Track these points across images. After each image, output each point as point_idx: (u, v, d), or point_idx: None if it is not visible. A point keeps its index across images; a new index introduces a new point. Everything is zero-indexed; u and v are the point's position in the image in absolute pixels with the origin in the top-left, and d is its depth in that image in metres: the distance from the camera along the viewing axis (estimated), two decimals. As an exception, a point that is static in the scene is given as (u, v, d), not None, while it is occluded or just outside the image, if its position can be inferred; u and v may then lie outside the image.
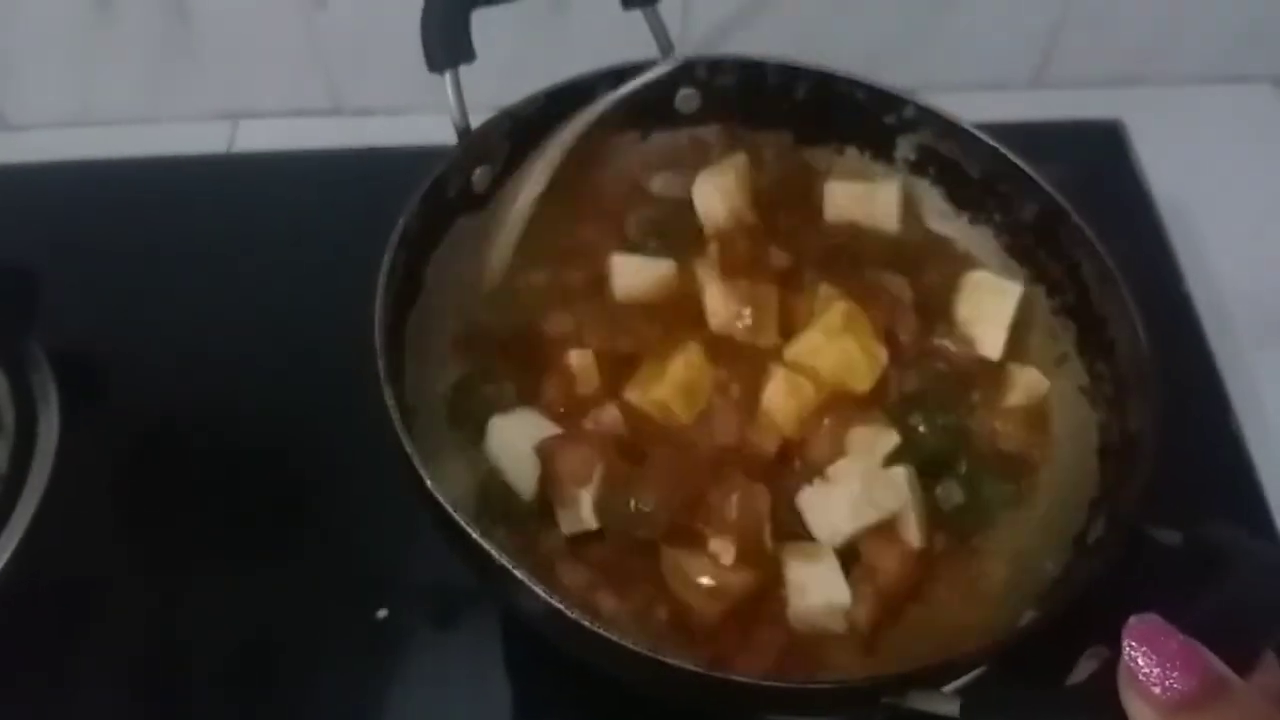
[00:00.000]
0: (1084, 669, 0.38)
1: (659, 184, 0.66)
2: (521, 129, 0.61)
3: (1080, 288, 0.59)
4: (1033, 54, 0.88)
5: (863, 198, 0.64)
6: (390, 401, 0.48)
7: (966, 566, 0.54)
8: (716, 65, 0.65)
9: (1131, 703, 0.30)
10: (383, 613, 0.61)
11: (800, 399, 0.55)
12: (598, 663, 0.46)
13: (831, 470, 0.54)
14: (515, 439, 0.55)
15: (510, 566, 0.44)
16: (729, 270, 0.59)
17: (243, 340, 0.72)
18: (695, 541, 0.52)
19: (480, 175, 0.61)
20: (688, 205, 0.64)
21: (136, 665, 0.60)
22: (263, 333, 0.73)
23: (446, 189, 0.59)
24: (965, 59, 0.86)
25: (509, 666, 0.60)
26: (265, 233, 0.78)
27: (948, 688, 0.41)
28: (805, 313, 0.58)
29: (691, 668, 0.43)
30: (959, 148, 0.63)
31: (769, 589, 0.52)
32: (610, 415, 0.55)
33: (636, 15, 0.64)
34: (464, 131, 0.58)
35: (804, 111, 0.66)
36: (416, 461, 0.47)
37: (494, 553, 0.44)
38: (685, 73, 0.65)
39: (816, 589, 0.51)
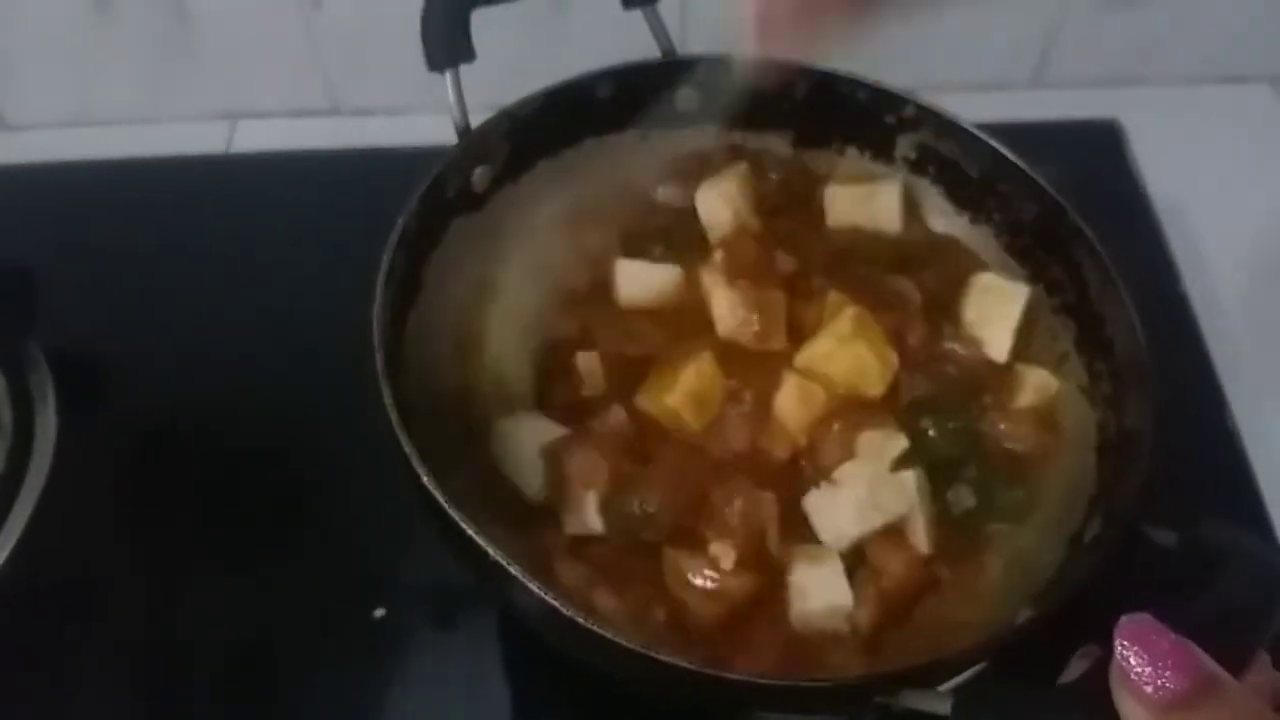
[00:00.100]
0: (1076, 668, 0.38)
1: (663, 193, 0.66)
2: (521, 129, 0.62)
3: (1079, 286, 0.59)
4: (1031, 54, 0.88)
5: (864, 200, 0.64)
6: (389, 400, 0.49)
7: (970, 567, 0.54)
8: (716, 65, 0.65)
9: (1123, 702, 0.30)
10: (380, 612, 0.61)
11: (812, 406, 0.55)
12: (592, 660, 0.46)
13: (838, 474, 0.54)
14: (522, 441, 0.55)
15: (505, 563, 0.44)
16: (735, 276, 0.59)
17: (242, 340, 0.72)
18: (697, 544, 0.52)
19: (480, 175, 0.61)
20: (691, 213, 0.64)
21: (134, 665, 0.60)
22: (262, 333, 0.73)
23: (445, 189, 0.59)
24: (964, 59, 0.86)
25: (506, 665, 0.60)
26: (264, 233, 0.78)
27: (942, 687, 0.41)
28: (813, 318, 0.58)
29: (685, 665, 0.43)
30: (959, 147, 0.63)
31: (771, 592, 0.52)
32: (617, 417, 0.55)
33: (636, 15, 0.64)
34: (464, 131, 0.58)
35: (804, 111, 0.66)
36: (414, 459, 0.47)
37: (490, 550, 0.44)
38: (685, 72, 0.65)
39: (818, 591, 0.51)
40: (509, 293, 0.62)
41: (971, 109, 0.63)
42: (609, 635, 0.43)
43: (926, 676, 0.42)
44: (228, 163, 0.87)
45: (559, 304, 0.61)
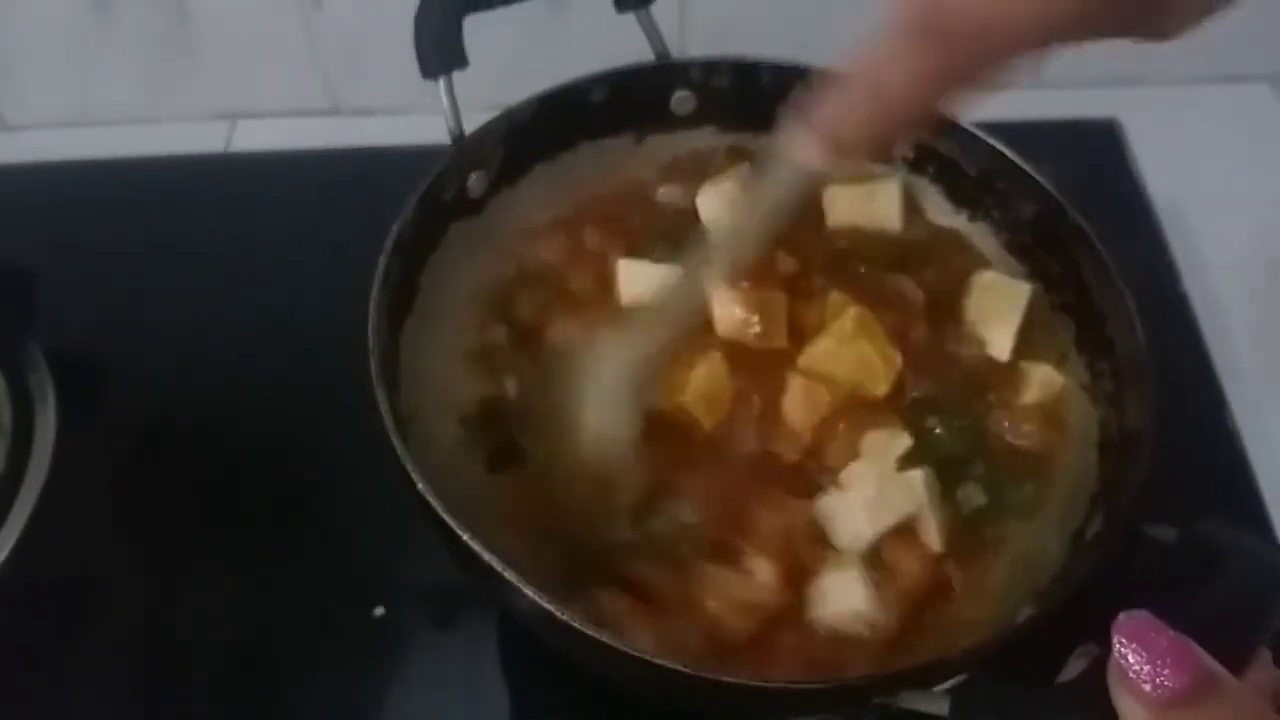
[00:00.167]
0: (1074, 667, 0.38)
1: (663, 194, 0.66)
2: (516, 134, 0.62)
3: (1079, 285, 0.59)
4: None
5: (863, 200, 0.64)
6: (384, 406, 0.48)
7: (979, 565, 0.54)
8: (712, 67, 0.65)
9: (1122, 700, 0.30)
10: (380, 611, 0.61)
11: (817, 407, 0.55)
12: (589, 663, 0.46)
13: (845, 475, 0.54)
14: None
15: (500, 569, 0.44)
16: (736, 277, 0.59)
17: (241, 340, 0.72)
18: (731, 557, 0.51)
19: (475, 180, 0.61)
20: (692, 214, 0.64)
21: (134, 665, 0.60)
22: (261, 332, 0.73)
23: (441, 194, 0.59)
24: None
25: (506, 665, 0.60)
26: (263, 233, 0.78)
27: (939, 687, 0.41)
28: (815, 319, 0.58)
29: (681, 669, 0.43)
30: (957, 146, 0.63)
31: (798, 601, 0.51)
32: None
33: (632, 18, 0.63)
34: (458, 137, 0.58)
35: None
36: (409, 464, 0.47)
37: (485, 555, 0.44)
38: (680, 75, 0.65)
39: (838, 597, 0.51)
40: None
41: (970, 109, 0.63)
42: (605, 639, 0.43)
43: (926, 677, 0.42)
44: (227, 163, 0.87)
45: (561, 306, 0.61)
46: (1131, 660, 0.29)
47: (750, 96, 0.66)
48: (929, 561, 0.52)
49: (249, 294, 0.75)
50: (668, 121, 0.66)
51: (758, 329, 0.57)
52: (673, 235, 0.62)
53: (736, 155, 0.66)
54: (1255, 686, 0.33)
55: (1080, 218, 0.58)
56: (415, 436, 0.51)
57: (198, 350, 0.72)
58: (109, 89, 0.88)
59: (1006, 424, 0.57)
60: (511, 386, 0.58)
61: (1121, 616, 0.30)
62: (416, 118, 0.73)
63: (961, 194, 0.64)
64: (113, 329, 0.73)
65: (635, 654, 0.43)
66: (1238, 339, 0.74)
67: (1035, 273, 0.62)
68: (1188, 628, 0.30)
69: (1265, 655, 0.35)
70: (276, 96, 0.89)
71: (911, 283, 0.61)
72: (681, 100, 0.66)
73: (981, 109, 0.64)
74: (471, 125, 0.59)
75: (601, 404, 0.54)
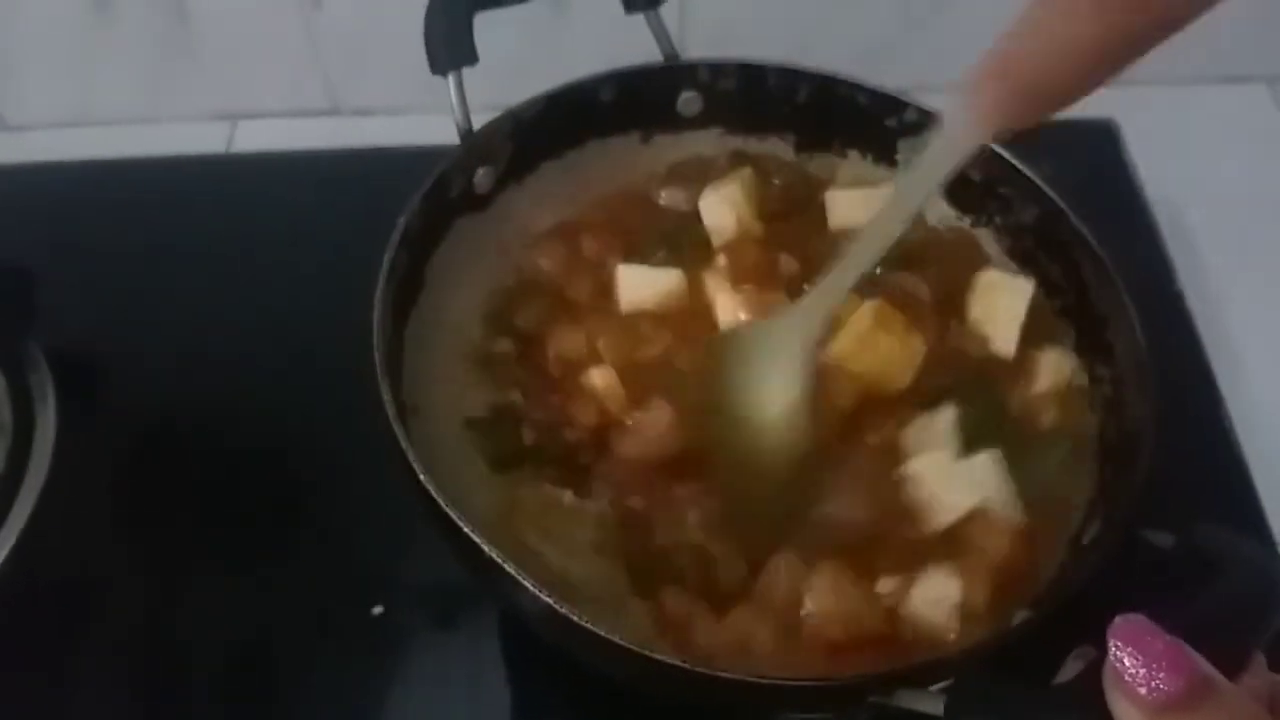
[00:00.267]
0: (1071, 669, 0.38)
1: (665, 197, 0.66)
2: (524, 130, 0.62)
3: (1079, 289, 0.59)
4: (1029, 54, 0.88)
5: (865, 202, 0.64)
6: (387, 396, 0.49)
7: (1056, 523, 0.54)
8: (718, 69, 0.66)
9: (1117, 703, 0.30)
10: (378, 609, 0.61)
11: (842, 404, 0.55)
12: (589, 659, 0.47)
13: (911, 469, 0.53)
14: None
15: (500, 560, 0.44)
16: (739, 280, 0.59)
17: (241, 340, 0.72)
18: (863, 559, 0.51)
19: (483, 176, 0.61)
20: (694, 217, 0.64)
21: (134, 665, 0.61)
22: (262, 333, 0.73)
23: (449, 189, 0.59)
24: (963, 58, 0.86)
25: (506, 664, 0.60)
26: (264, 233, 0.78)
27: (936, 686, 0.41)
28: None
29: (680, 664, 0.43)
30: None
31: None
32: (658, 425, 0.55)
33: (638, 18, 0.64)
34: (466, 133, 0.58)
35: (805, 115, 0.66)
36: (410, 456, 0.47)
37: (485, 547, 0.45)
38: (687, 76, 0.65)
39: (931, 592, 0.50)
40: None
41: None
42: (603, 634, 0.43)
43: (922, 676, 0.42)
44: (227, 163, 0.87)
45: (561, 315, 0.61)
46: (1127, 663, 0.29)
47: (757, 99, 0.66)
48: (1017, 537, 0.52)
49: (249, 294, 0.75)
50: (674, 122, 0.67)
51: None
52: (674, 238, 0.63)
53: (739, 160, 0.66)
54: (1250, 691, 0.33)
55: (1081, 223, 0.58)
56: (418, 432, 0.51)
57: (198, 350, 0.72)
58: (109, 89, 0.88)
59: (1027, 410, 0.57)
60: (517, 396, 0.58)
61: (1117, 620, 0.30)
62: (417, 118, 0.73)
63: (964, 199, 0.64)
64: (113, 329, 0.73)
65: (634, 649, 0.43)
66: (1235, 340, 0.75)
67: (1037, 277, 0.62)
68: (1184, 631, 0.30)
69: (1261, 660, 0.35)
70: (277, 96, 0.89)
71: (917, 279, 0.61)
72: (688, 101, 0.66)
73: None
74: (474, 126, 0.59)
75: (773, 386, 0.52)
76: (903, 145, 0.65)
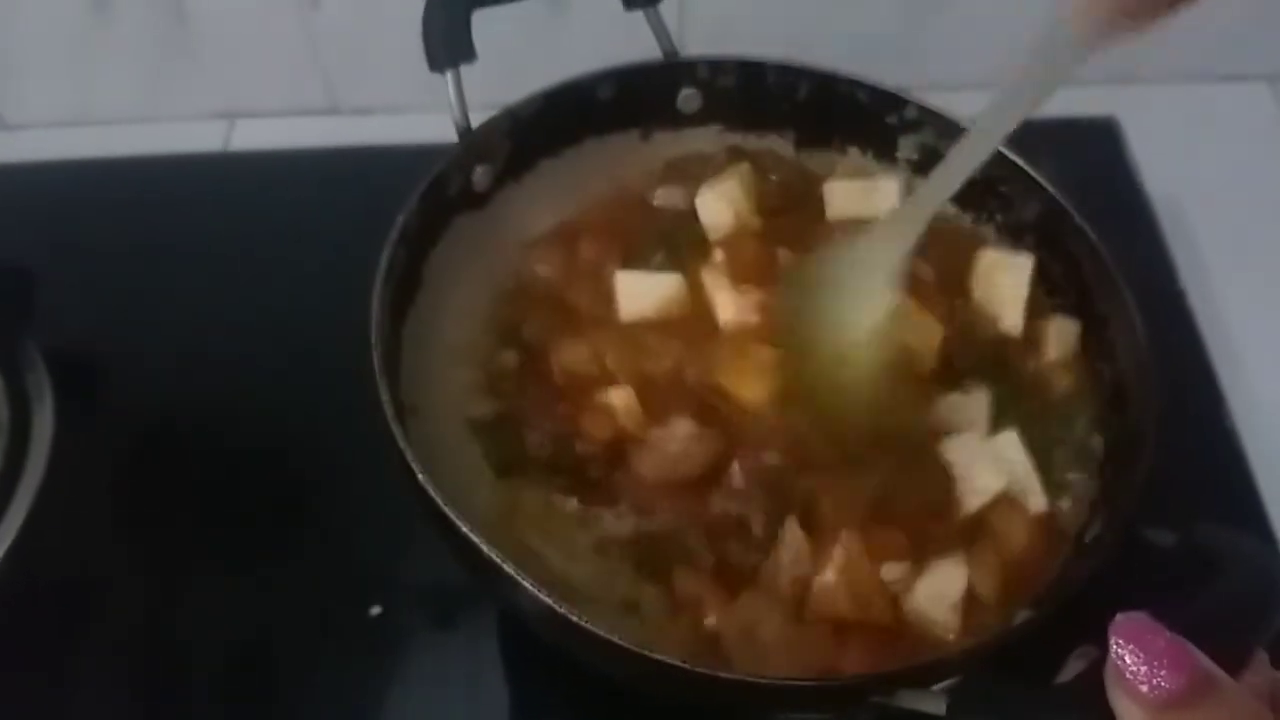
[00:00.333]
0: (1073, 668, 0.38)
1: (661, 196, 0.66)
2: (523, 128, 0.62)
3: (1081, 288, 0.59)
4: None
5: (863, 194, 0.64)
6: (385, 396, 0.49)
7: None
8: (717, 66, 0.65)
9: (1119, 701, 0.30)
10: (376, 610, 0.61)
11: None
12: (589, 659, 0.47)
13: (947, 451, 0.53)
14: None
15: (500, 560, 0.44)
16: (737, 276, 0.59)
17: (240, 340, 0.72)
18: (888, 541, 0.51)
19: (481, 174, 0.61)
20: (690, 216, 0.63)
21: (133, 665, 0.61)
22: (261, 332, 0.73)
23: (447, 187, 0.59)
24: (964, 57, 0.86)
25: (505, 664, 0.60)
26: (263, 232, 0.78)
27: (938, 686, 0.41)
28: None
29: (680, 664, 0.43)
30: (962, 148, 0.63)
31: None
32: (685, 429, 0.54)
33: (637, 16, 0.64)
34: (465, 131, 0.58)
35: (805, 112, 0.66)
36: (409, 456, 0.47)
37: (484, 547, 0.44)
38: (687, 73, 0.65)
39: (938, 585, 0.50)
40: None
41: (971, 108, 0.63)
42: (603, 634, 0.43)
43: (923, 676, 0.42)
44: (226, 162, 0.87)
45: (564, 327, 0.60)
46: (1129, 661, 0.29)
47: (756, 96, 0.66)
48: (1036, 525, 0.52)
49: (249, 294, 0.75)
50: (674, 119, 0.67)
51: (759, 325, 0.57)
52: (672, 238, 0.62)
53: (736, 155, 0.66)
54: (1252, 688, 0.33)
55: (1083, 221, 0.58)
56: (416, 431, 0.51)
57: (198, 350, 0.71)
58: (108, 89, 0.88)
59: (1042, 378, 0.58)
60: (521, 404, 0.57)
61: (1119, 618, 0.30)
62: (415, 116, 0.73)
63: (965, 196, 0.64)
64: (112, 329, 0.73)
65: (634, 649, 0.43)
66: (1236, 338, 0.74)
67: (1038, 276, 0.62)
68: (1185, 629, 0.30)
69: (1262, 657, 0.35)
70: (275, 96, 0.89)
71: (919, 261, 0.60)
72: (688, 98, 0.66)
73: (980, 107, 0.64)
74: (472, 124, 0.59)
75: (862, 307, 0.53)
76: (903, 142, 0.65)
